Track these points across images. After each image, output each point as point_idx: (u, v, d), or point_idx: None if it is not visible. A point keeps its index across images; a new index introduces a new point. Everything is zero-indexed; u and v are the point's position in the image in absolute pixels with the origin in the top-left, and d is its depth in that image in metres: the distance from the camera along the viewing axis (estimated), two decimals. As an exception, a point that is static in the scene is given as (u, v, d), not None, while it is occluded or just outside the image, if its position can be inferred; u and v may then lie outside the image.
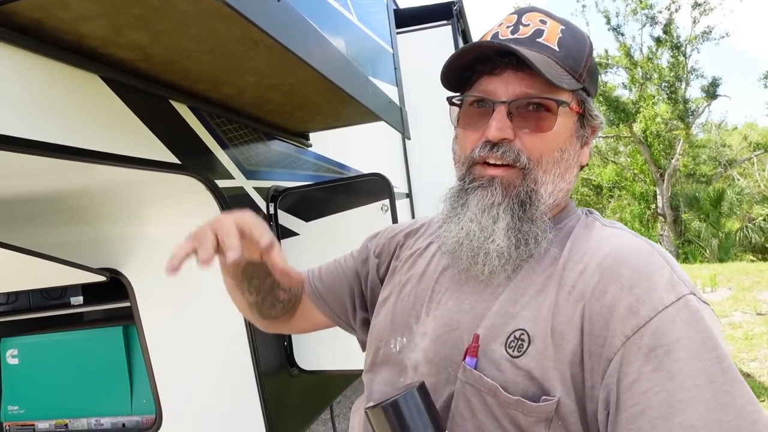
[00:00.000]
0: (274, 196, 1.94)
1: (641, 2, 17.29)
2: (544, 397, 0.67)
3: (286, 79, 1.53)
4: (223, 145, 1.69)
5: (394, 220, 1.80)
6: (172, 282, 1.72)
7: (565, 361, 0.68)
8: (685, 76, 17.53)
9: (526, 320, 0.72)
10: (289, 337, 1.93)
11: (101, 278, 1.63)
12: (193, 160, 1.53)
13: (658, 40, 17.49)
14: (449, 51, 4.58)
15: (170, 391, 1.71)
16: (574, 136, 0.80)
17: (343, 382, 2.72)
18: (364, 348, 1.01)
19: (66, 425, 1.95)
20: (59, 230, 1.72)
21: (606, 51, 18.70)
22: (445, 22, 4.62)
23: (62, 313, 2.03)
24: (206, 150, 1.60)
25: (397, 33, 2.78)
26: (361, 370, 2.09)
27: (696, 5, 17.03)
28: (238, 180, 1.75)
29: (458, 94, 0.84)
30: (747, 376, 4.77)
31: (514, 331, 0.72)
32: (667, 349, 0.63)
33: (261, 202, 1.88)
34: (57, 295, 2.05)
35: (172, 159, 1.43)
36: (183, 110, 1.51)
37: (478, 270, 0.78)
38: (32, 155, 1.05)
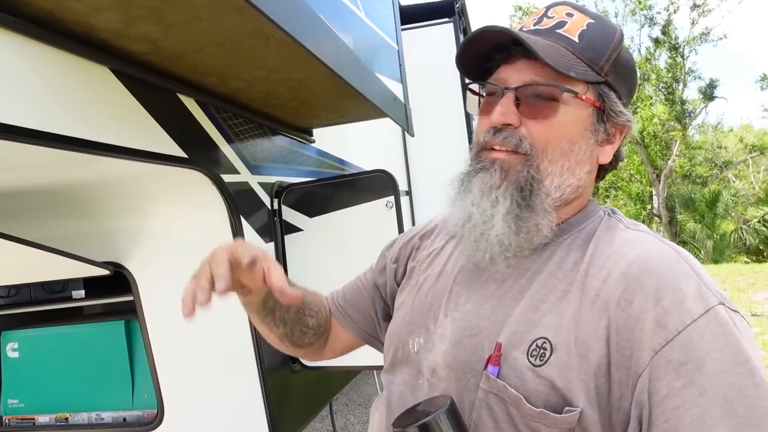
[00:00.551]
0: (279, 191, 1.94)
1: (640, 3, 17.33)
2: (567, 408, 0.66)
3: (294, 75, 1.52)
4: (229, 140, 1.68)
5: (399, 216, 1.80)
6: (176, 276, 1.71)
7: (589, 372, 0.66)
8: (682, 77, 17.59)
9: (548, 328, 0.70)
10: (292, 332, 1.93)
11: (104, 272, 1.62)
12: (200, 154, 1.52)
13: (656, 41, 17.54)
14: (451, 49, 4.58)
15: (172, 385, 1.70)
16: (587, 130, 0.77)
17: (342, 378, 2.72)
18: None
19: (66, 419, 1.94)
20: (63, 223, 1.71)
21: (604, 51, 18.69)
22: (446, 19, 4.62)
23: (64, 306, 2.02)
24: (213, 144, 1.59)
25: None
26: (362, 367, 2.09)
27: (695, 6, 17.08)
28: (244, 175, 1.75)
29: (475, 83, 0.86)
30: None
31: (536, 340, 0.70)
32: (697, 363, 0.61)
33: (265, 198, 1.88)
34: (58, 289, 2.04)
35: (180, 153, 1.42)
36: (190, 104, 1.50)
37: (479, 257, 0.79)
38: (42, 147, 1.04)
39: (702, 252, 14.30)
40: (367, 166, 3.02)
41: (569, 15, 0.79)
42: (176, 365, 1.71)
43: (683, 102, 17.67)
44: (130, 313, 1.83)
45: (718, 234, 14.79)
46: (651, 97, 17.51)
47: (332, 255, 1.91)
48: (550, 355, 0.69)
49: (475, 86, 0.84)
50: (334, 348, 1.10)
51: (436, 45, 4.58)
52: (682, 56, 17.54)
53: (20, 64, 0.99)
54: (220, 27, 1.16)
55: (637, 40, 18.42)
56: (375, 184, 1.85)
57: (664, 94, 17.51)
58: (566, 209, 0.80)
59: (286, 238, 1.94)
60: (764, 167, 20.76)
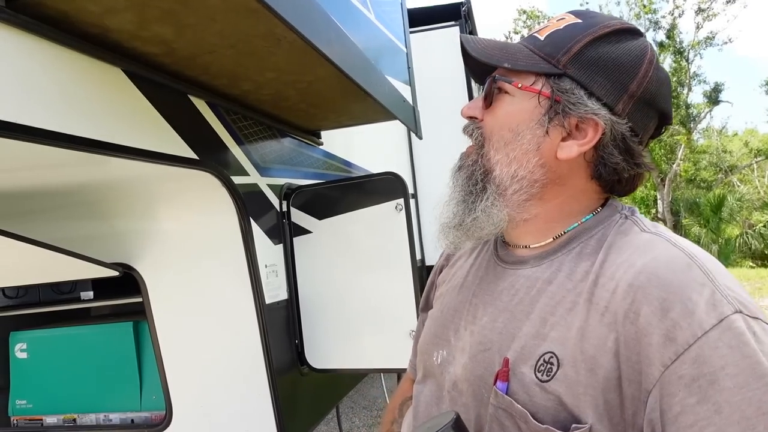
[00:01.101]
0: (287, 193, 1.94)
1: (645, 7, 17.32)
2: (574, 425, 0.64)
3: (304, 76, 1.52)
4: (239, 142, 1.68)
5: (409, 219, 1.80)
6: (185, 278, 1.72)
7: (597, 387, 0.64)
8: (687, 81, 17.56)
9: (555, 342, 0.69)
10: (300, 334, 1.93)
11: (113, 273, 1.62)
12: (210, 156, 1.52)
13: (661, 45, 17.52)
14: (456, 52, 4.57)
15: (181, 387, 1.70)
16: (532, 120, 0.76)
17: (349, 381, 2.72)
18: None
19: (74, 420, 1.94)
20: (72, 224, 1.71)
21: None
22: (453, 23, 4.62)
23: (72, 307, 2.02)
24: (223, 146, 1.60)
25: (408, 33, 2.77)
26: (371, 369, 2.09)
27: (699, 11, 17.06)
28: (253, 177, 1.75)
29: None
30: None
31: (543, 354, 0.69)
32: (710, 378, 0.58)
33: (274, 200, 1.88)
34: (67, 290, 2.05)
35: (191, 154, 1.42)
36: (201, 106, 1.50)
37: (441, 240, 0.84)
38: (55, 147, 1.04)
39: (707, 256, 14.17)
40: (373, 169, 3.02)
41: (560, 20, 0.79)
42: (185, 367, 1.71)
43: (688, 106, 17.63)
44: (139, 314, 1.83)
45: (723, 239, 14.72)
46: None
47: (341, 257, 1.90)
48: (557, 370, 0.67)
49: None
50: None
51: (442, 48, 4.58)
52: (687, 60, 17.52)
53: (35, 65, 0.99)
54: (233, 28, 1.16)
55: (641, 44, 18.36)
56: (384, 187, 1.85)
57: (669, 98, 17.46)
58: (546, 213, 0.79)
59: (295, 240, 1.94)
60: (769, 171, 20.68)
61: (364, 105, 1.84)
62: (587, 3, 18.48)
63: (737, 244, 14.62)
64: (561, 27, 0.77)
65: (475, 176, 0.79)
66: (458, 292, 0.89)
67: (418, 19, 4.45)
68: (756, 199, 17.14)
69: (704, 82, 17.90)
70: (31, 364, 1.98)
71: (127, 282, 1.71)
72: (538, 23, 20.21)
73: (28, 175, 1.34)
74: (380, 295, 1.87)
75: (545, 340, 0.70)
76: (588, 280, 0.70)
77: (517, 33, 20.37)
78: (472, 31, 4.89)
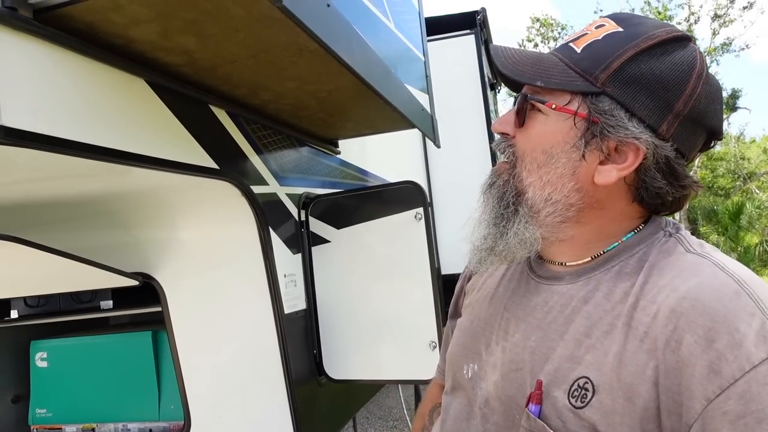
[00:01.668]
0: (306, 202, 1.93)
1: (660, 14, 17.21)
2: None
3: (324, 86, 1.52)
4: (258, 151, 1.68)
5: (429, 228, 1.78)
6: (204, 288, 1.72)
7: (635, 417, 0.61)
8: (703, 88, 17.36)
9: (590, 367, 0.65)
10: (319, 344, 1.92)
11: (133, 282, 1.63)
12: (231, 166, 1.52)
13: (676, 52, 17.36)
14: (472, 60, 4.57)
15: (199, 397, 1.70)
16: (567, 142, 0.71)
17: (367, 392, 2.69)
18: None
19: (93, 430, 1.94)
20: (93, 233, 1.72)
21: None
22: (468, 31, 4.62)
23: (92, 316, 2.03)
24: (243, 155, 1.60)
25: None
26: (389, 380, 2.06)
27: (716, 17, 16.92)
28: (272, 186, 1.75)
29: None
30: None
31: (578, 379, 0.66)
32: (758, 417, 0.54)
33: (293, 209, 1.87)
34: (87, 299, 2.06)
35: (212, 164, 1.42)
36: (222, 115, 1.51)
37: (469, 258, 0.81)
38: (79, 157, 1.05)
39: (726, 265, 13.96)
40: (388, 178, 3.02)
41: (599, 27, 0.73)
42: (203, 376, 1.71)
43: (705, 113, 17.42)
44: (157, 323, 1.83)
45: (743, 247, 14.47)
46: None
47: (360, 267, 1.89)
48: (592, 396, 0.64)
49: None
50: None
51: (457, 57, 4.58)
52: (704, 67, 17.34)
53: (61, 76, 1.00)
54: (255, 38, 1.16)
55: (657, 50, 18.27)
56: (403, 196, 1.83)
57: (685, 105, 17.31)
58: (582, 234, 0.75)
59: (314, 249, 1.93)
60: (789, 179, 20.37)
61: (383, 114, 1.84)
62: (602, 11, 18.39)
63: (757, 253, 14.37)
64: (600, 37, 0.71)
65: (507, 198, 0.75)
66: (489, 303, 0.86)
67: (434, 27, 4.46)
68: (776, 207, 16.85)
69: (722, 88, 17.72)
70: (51, 372, 1.99)
71: (146, 291, 1.71)
72: (552, 31, 20.17)
73: (49, 186, 1.35)
74: (399, 305, 1.85)
75: (580, 364, 0.67)
76: (627, 303, 0.67)
77: (530, 41, 20.34)
78: (488, 40, 4.88)
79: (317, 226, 1.94)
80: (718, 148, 20.17)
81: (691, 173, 0.73)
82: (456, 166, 4.57)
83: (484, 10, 4.59)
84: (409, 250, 1.81)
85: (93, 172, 1.25)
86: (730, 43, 17.12)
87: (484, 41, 4.67)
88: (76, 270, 1.49)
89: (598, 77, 0.68)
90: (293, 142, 1.94)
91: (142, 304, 1.91)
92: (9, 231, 1.31)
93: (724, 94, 18.05)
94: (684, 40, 0.70)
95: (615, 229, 0.74)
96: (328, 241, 1.93)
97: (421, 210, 1.79)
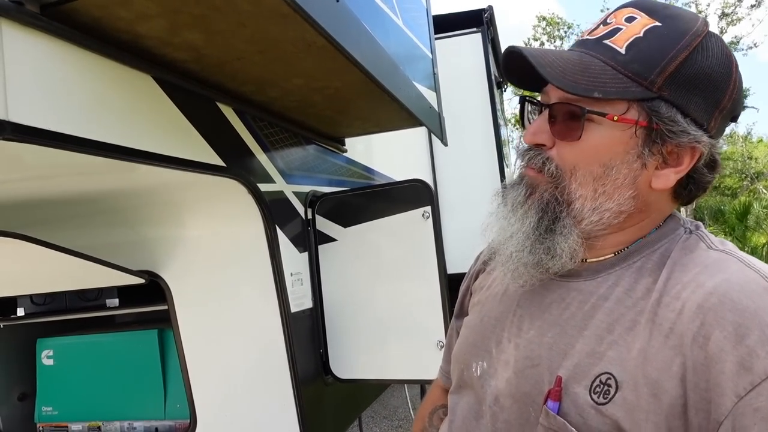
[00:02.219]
0: (313, 201, 1.92)
1: (667, 12, 17.10)
2: None
3: (332, 82, 1.51)
4: (265, 149, 1.67)
5: (436, 227, 1.77)
6: (211, 286, 1.71)
7: (661, 414, 0.59)
8: (711, 87, 17.26)
9: (613, 363, 0.64)
10: (325, 344, 1.91)
11: (139, 280, 1.62)
12: (238, 163, 1.51)
13: (683, 51, 17.27)
14: (479, 59, 4.55)
15: (205, 395, 1.69)
16: (629, 153, 0.67)
17: (373, 391, 2.68)
18: None
19: (99, 428, 1.94)
20: (99, 231, 1.72)
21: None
22: (474, 29, 4.60)
23: (98, 315, 2.03)
24: (250, 153, 1.59)
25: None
26: (396, 380, 2.05)
27: (723, 15, 16.81)
28: (279, 184, 1.73)
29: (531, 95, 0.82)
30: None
31: (599, 375, 0.64)
32: None
33: (300, 207, 1.86)
34: (93, 297, 2.05)
35: (218, 161, 1.41)
36: (228, 113, 1.50)
37: (504, 273, 0.77)
38: (85, 154, 1.04)
39: (733, 265, 13.89)
40: (394, 176, 3.00)
41: (629, 19, 0.69)
42: (210, 375, 1.70)
43: (712, 112, 17.32)
44: (163, 322, 1.83)
45: (750, 247, 14.38)
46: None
47: (366, 266, 1.88)
48: (615, 392, 0.63)
49: (527, 99, 0.81)
50: None
51: (464, 55, 4.55)
52: (711, 65, 17.23)
53: (68, 72, 0.99)
54: (262, 34, 1.15)
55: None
56: (411, 194, 1.82)
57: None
58: (616, 236, 0.72)
59: (320, 248, 1.92)
60: (796, 178, 20.23)
61: (390, 111, 1.82)
62: (608, 9, 18.30)
63: (764, 253, 14.28)
64: (641, 34, 0.67)
65: (553, 211, 0.72)
66: (500, 300, 0.84)
67: (441, 25, 4.44)
68: (783, 207, 16.74)
69: None
70: (57, 370, 1.99)
71: (152, 289, 1.71)
72: (558, 30, 20.08)
73: (56, 183, 1.34)
74: (406, 304, 1.84)
75: (602, 360, 0.65)
76: (650, 298, 0.65)
77: (536, 40, 20.27)
78: (494, 38, 4.86)
79: (324, 225, 1.92)
80: (726, 147, 20.03)
81: None
82: (462, 164, 4.55)
83: (490, 8, 4.57)
84: (416, 249, 1.79)
85: (100, 169, 1.24)
86: (738, 42, 17.01)
87: (490, 39, 4.65)
88: (82, 268, 1.48)
89: (655, 81, 0.65)
90: (300, 140, 1.93)
91: (148, 302, 1.91)
92: (16, 228, 1.31)
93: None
94: (709, 28, 0.69)
95: (647, 229, 0.73)
96: (334, 240, 1.92)
97: (428, 208, 1.78)
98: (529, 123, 0.77)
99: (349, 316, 1.91)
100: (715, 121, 0.67)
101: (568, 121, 0.69)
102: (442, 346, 1.76)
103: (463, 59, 4.53)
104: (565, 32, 19.99)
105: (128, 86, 1.14)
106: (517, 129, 20.20)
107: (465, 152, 4.48)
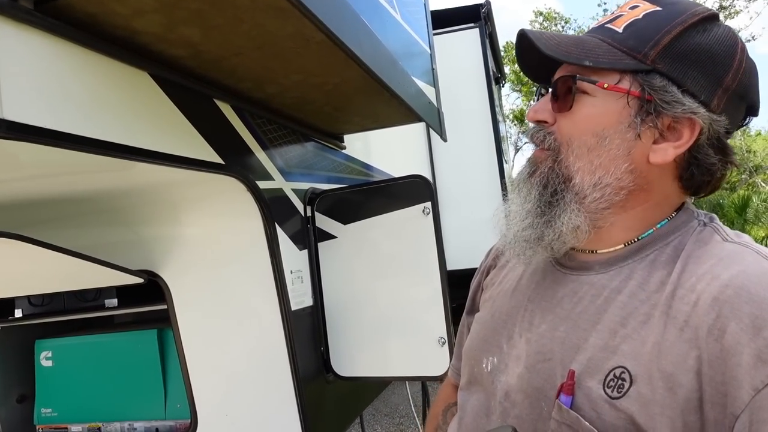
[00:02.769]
0: (312, 198, 1.91)
1: (664, 6, 17.09)
2: None
3: (330, 78, 1.50)
4: (264, 146, 1.66)
5: (437, 223, 1.75)
6: (210, 285, 1.70)
7: (676, 408, 0.59)
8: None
9: (627, 356, 0.64)
10: (326, 341, 1.90)
11: (138, 280, 1.61)
12: (236, 161, 1.50)
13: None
14: (476, 54, 4.54)
15: (206, 395, 1.68)
16: (621, 123, 0.69)
17: (375, 389, 2.68)
18: None
19: (99, 429, 1.93)
20: (97, 231, 1.70)
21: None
22: (472, 24, 4.59)
23: (97, 315, 2.01)
24: (248, 150, 1.57)
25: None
26: (397, 377, 2.04)
27: (721, 8, 16.79)
28: (278, 181, 1.72)
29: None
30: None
31: (613, 369, 0.64)
32: None
33: (299, 205, 1.85)
34: (91, 297, 2.04)
35: (216, 159, 1.40)
36: (226, 109, 1.48)
37: (509, 253, 0.79)
38: (82, 152, 1.02)
39: (731, 259, 13.92)
40: (393, 172, 2.99)
41: (633, 7, 0.72)
42: (210, 375, 1.69)
43: (710, 105, 17.32)
44: (163, 321, 1.81)
45: (748, 240, 14.41)
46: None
47: (367, 263, 1.87)
48: (630, 386, 0.62)
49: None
50: None
51: (462, 50, 4.54)
52: (708, 59, 17.23)
53: (62, 68, 0.97)
54: (260, 29, 1.13)
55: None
56: (411, 190, 1.81)
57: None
58: (623, 220, 0.73)
59: (320, 245, 1.91)
60: (794, 172, 20.25)
61: (389, 107, 1.81)
62: (605, 3, 18.29)
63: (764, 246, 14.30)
64: (640, 16, 0.69)
65: (553, 185, 0.73)
66: (511, 296, 0.84)
67: (438, 20, 4.42)
68: (781, 200, 16.76)
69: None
70: (56, 372, 1.97)
71: (151, 289, 1.69)
72: (555, 25, 20.07)
73: (53, 182, 1.32)
74: (407, 301, 1.83)
75: (615, 353, 0.65)
76: (665, 291, 0.65)
77: (533, 35, 20.21)
78: (492, 33, 4.85)
79: (323, 222, 1.91)
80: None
81: None
82: (461, 160, 4.54)
83: (488, 3, 4.56)
84: (416, 245, 1.78)
85: (97, 168, 1.23)
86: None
87: (488, 34, 4.63)
88: (81, 268, 1.47)
89: (648, 54, 0.67)
90: (298, 137, 1.92)
91: (147, 302, 1.89)
92: (12, 228, 1.29)
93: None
94: (717, 18, 0.69)
95: (656, 214, 0.72)
96: (334, 237, 1.91)
97: (429, 204, 1.76)
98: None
99: (350, 314, 1.89)
100: (719, 99, 0.67)
101: (564, 94, 0.72)
102: (443, 343, 1.75)
103: (461, 55, 4.51)
104: (563, 27, 19.97)
105: (125, 83, 1.13)
106: (515, 125, 20.22)
107: (463, 148, 4.47)
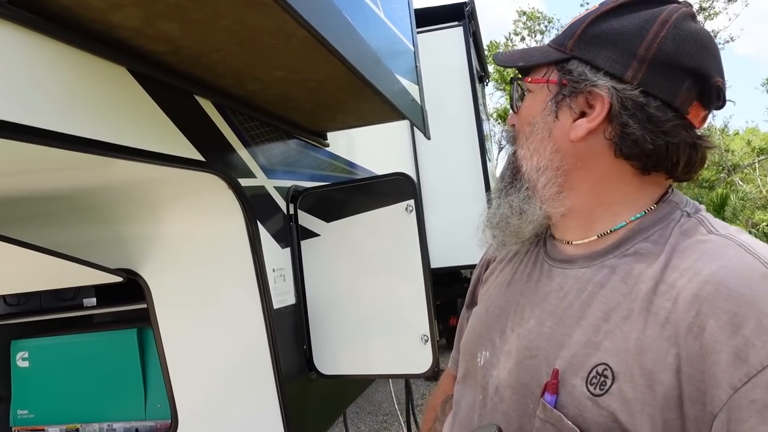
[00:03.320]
0: (295, 195, 1.89)
1: (645, 7, 17.30)
2: None
3: (313, 75, 1.48)
4: (246, 143, 1.64)
5: (420, 221, 1.75)
6: (190, 283, 1.68)
7: (656, 405, 0.59)
8: (688, 80, 17.50)
9: (610, 353, 0.64)
10: (309, 340, 1.89)
11: (117, 279, 1.58)
12: (217, 158, 1.48)
13: (661, 45, 17.48)
14: (460, 52, 4.55)
15: (187, 395, 1.66)
16: (544, 109, 0.76)
17: (357, 387, 2.67)
18: None
19: (77, 430, 1.90)
20: (75, 229, 1.67)
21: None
22: (456, 23, 4.60)
23: (75, 315, 1.98)
24: (230, 148, 1.55)
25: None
26: (380, 375, 2.04)
27: (701, 9, 17.04)
28: (260, 179, 1.70)
29: None
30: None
31: (596, 366, 0.64)
32: None
33: (281, 202, 1.83)
34: (69, 297, 2.00)
35: (197, 156, 1.38)
36: (207, 106, 1.46)
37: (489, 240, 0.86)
38: (57, 148, 1.00)
39: (710, 256, 14.15)
40: (377, 170, 2.99)
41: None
42: (190, 374, 1.67)
43: (689, 105, 17.57)
44: (143, 321, 1.79)
45: (726, 238, 14.64)
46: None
47: (350, 261, 1.86)
48: (612, 383, 0.62)
49: None
50: None
51: (445, 48, 4.55)
52: (688, 59, 17.46)
53: (37, 63, 0.95)
54: (241, 24, 1.12)
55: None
56: (394, 188, 1.80)
57: (670, 98, 17.45)
58: (574, 200, 0.75)
59: (303, 243, 1.89)
60: (771, 171, 20.64)
61: (372, 105, 1.80)
62: (587, 3, 18.44)
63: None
64: (582, 14, 0.75)
65: (509, 176, 0.82)
66: (506, 289, 0.85)
67: (422, 19, 4.43)
68: (759, 198, 17.10)
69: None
70: (33, 373, 1.94)
71: (130, 288, 1.67)
72: (538, 24, 20.21)
73: (28, 179, 1.30)
74: (390, 299, 1.82)
75: (598, 350, 0.65)
76: (646, 286, 0.64)
77: (517, 34, 20.36)
78: (476, 32, 4.86)
79: (306, 220, 1.90)
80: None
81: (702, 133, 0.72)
82: (445, 158, 4.55)
83: (472, 1, 4.57)
84: (400, 243, 1.78)
85: (73, 165, 1.20)
86: (715, 36, 17.27)
87: (472, 33, 4.64)
88: (58, 267, 1.44)
89: (566, 44, 0.74)
90: (281, 135, 1.90)
91: (126, 301, 1.87)
92: (-15, 226, 1.26)
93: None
94: (638, 3, 0.71)
95: (613, 197, 0.73)
96: (317, 235, 1.89)
97: (412, 202, 1.76)
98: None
99: (333, 312, 1.89)
100: (635, 70, 0.68)
101: (513, 97, 0.84)
102: (426, 341, 1.75)
103: (444, 53, 4.52)
104: (546, 27, 20.11)
105: (102, 78, 1.10)
106: (498, 123, 20.29)
107: (447, 146, 4.49)
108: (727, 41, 19.26)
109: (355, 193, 1.88)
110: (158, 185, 1.50)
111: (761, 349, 0.54)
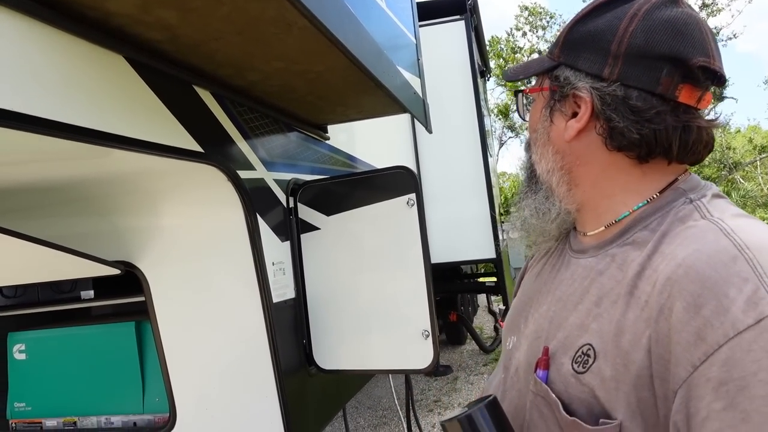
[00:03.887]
0: (294, 189, 1.87)
1: (648, 3, 17.23)
2: (602, 420, 0.63)
3: (313, 66, 1.46)
4: (245, 135, 1.62)
5: (421, 215, 1.73)
6: (189, 276, 1.66)
7: (630, 383, 0.62)
8: (690, 77, 17.44)
9: (594, 334, 0.68)
10: (308, 334, 1.87)
11: (114, 271, 1.57)
12: (216, 149, 1.46)
13: (664, 42, 17.42)
14: (462, 47, 4.52)
15: (185, 388, 1.65)
16: (542, 115, 0.82)
17: (358, 382, 2.66)
18: None
19: (75, 423, 1.89)
20: (72, 221, 1.66)
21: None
22: (458, 17, 4.57)
23: (72, 307, 1.96)
24: (229, 139, 1.53)
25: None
26: (381, 370, 2.04)
27: (704, 6, 16.97)
28: (259, 171, 1.69)
29: None
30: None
31: (582, 346, 0.69)
32: (740, 384, 0.53)
33: (281, 195, 1.82)
34: (67, 289, 1.99)
35: (196, 147, 1.36)
36: (206, 96, 1.44)
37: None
38: (53, 138, 0.98)
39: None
40: (377, 164, 2.97)
41: None
42: (189, 368, 1.66)
43: (691, 102, 17.51)
44: (141, 314, 1.78)
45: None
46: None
47: (350, 255, 1.84)
48: (593, 362, 0.67)
49: None
50: None
51: (447, 42, 4.52)
52: (690, 56, 17.40)
53: (32, 50, 0.93)
54: (241, 12, 1.10)
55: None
56: (395, 182, 1.78)
57: (672, 95, 17.40)
58: (578, 194, 0.80)
59: (303, 237, 1.88)
60: (772, 168, 20.59)
61: (374, 97, 1.78)
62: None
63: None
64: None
65: (528, 180, 0.88)
66: (534, 280, 0.92)
67: (424, 13, 4.40)
68: (760, 196, 17.07)
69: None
70: (30, 365, 1.92)
71: (128, 280, 1.65)
72: (540, 20, 20.14)
73: (25, 170, 1.28)
74: (391, 293, 1.81)
75: (586, 332, 0.70)
76: (633, 272, 0.68)
77: (518, 29, 20.30)
78: (478, 26, 4.83)
79: (306, 213, 1.88)
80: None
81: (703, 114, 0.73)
82: (446, 152, 4.54)
83: (474, -5, 4.54)
84: (400, 237, 1.76)
85: (71, 155, 1.19)
86: (718, 33, 17.20)
87: (474, 27, 4.61)
88: (55, 259, 1.42)
89: (554, 52, 0.79)
90: (281, 127, 1.88)
91: (124, 293, 1.85)
92: (-19, 217, 1.25)
93: (711, 84, 18.45)
94: (612, 3, 0.75)
95: (614, 187, 0.76)
96: (317, 228, 1.88)
97: (413, 196, 1.74)
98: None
99: (333, 306, 1.87)
100: (611, 66, 0.71)
101: (520, 108, 0.91)
102: (427, 336, 1.74)
103: (446, 47, 4.50)
104: (548, 22, 20.04)
105: (98, 66, 1.08)
106: (499, 119, 20.25)
107: (448, 141, 4.47)
108: (730, 38, 19.20)
109: (355, 187, 1.86)
110: (156, 176, 1.48)
111: (719, 328, 0.55)
